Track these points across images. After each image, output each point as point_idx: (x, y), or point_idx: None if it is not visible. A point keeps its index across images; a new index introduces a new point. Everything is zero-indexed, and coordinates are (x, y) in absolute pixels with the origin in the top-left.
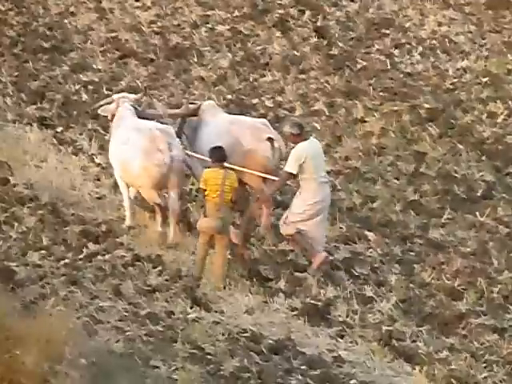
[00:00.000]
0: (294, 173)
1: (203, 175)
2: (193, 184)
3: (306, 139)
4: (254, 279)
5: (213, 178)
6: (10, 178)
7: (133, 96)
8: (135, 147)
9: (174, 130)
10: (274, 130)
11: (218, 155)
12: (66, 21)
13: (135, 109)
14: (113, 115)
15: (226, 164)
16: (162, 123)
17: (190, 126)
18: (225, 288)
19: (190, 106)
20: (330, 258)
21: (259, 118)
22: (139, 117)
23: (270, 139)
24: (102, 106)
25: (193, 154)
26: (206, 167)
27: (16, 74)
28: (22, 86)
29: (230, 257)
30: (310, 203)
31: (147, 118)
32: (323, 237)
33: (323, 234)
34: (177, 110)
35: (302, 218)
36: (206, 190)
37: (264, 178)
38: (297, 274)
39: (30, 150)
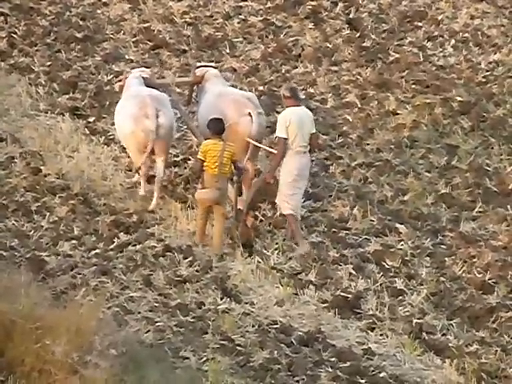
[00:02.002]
0: (285, 137)
1: (202, 147)
2: None
3: (298, 106)
4: (285, 271)
5: (212, 149)
6: (42, 167)
7: (147, 70)
8: (127, 112)
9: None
10: (258, 105)
11: (216, 127)
12: (98, 11)
13: (143, 78)
14: (122, 86)
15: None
16: (169, 92)
17: (199, 93)
18: (222, 256)
19: (198, 73)
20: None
21: None
22: (147, 86)
23: (249, 114)
24: (119, 81)
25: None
26: (206, 138)
27: (48, 63)
28: (55, 75)
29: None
30: (294, 172)
31: (155, 87)
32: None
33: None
34: (184, 79)
35: (293, 190)
36: (203, 162)
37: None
38: (327, 266)
39: (61, 140)
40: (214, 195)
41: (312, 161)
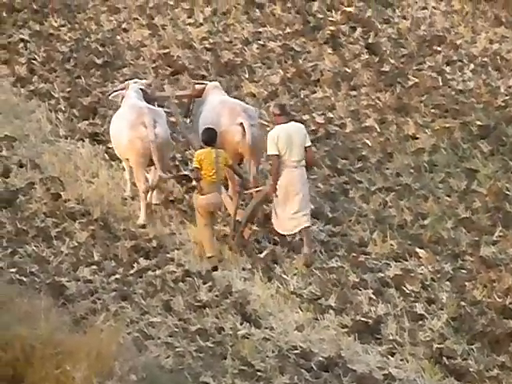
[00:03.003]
0: (276, 153)
1: (196, 156)
2: None
3: (287, 122)
4: (304, 296)
5: (207, 158)
6: (62, 193)
7: (144, 81)
8: (124, 121)
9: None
10: (254, 117)
11: (207, 137)
12: (118, 37)
13: (143, 91)
14: (122, 98)
15: None
16: (168, 104)
17: (198, 105)
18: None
19: (197, 86)
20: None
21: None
22: (146, 99)
23: (241, 124)
24: (115, 91)
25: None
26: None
27: (68, 89)
28: (75, 101)
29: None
30: (283, 189)
31: (155, 100)
32: (294, 220)
33: (294, 218)
34: (184, 92)
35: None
36: (199, 170)
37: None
38: (347, 290)
39: (81, 166)
40: (218, 199)
41: (331, 185)
